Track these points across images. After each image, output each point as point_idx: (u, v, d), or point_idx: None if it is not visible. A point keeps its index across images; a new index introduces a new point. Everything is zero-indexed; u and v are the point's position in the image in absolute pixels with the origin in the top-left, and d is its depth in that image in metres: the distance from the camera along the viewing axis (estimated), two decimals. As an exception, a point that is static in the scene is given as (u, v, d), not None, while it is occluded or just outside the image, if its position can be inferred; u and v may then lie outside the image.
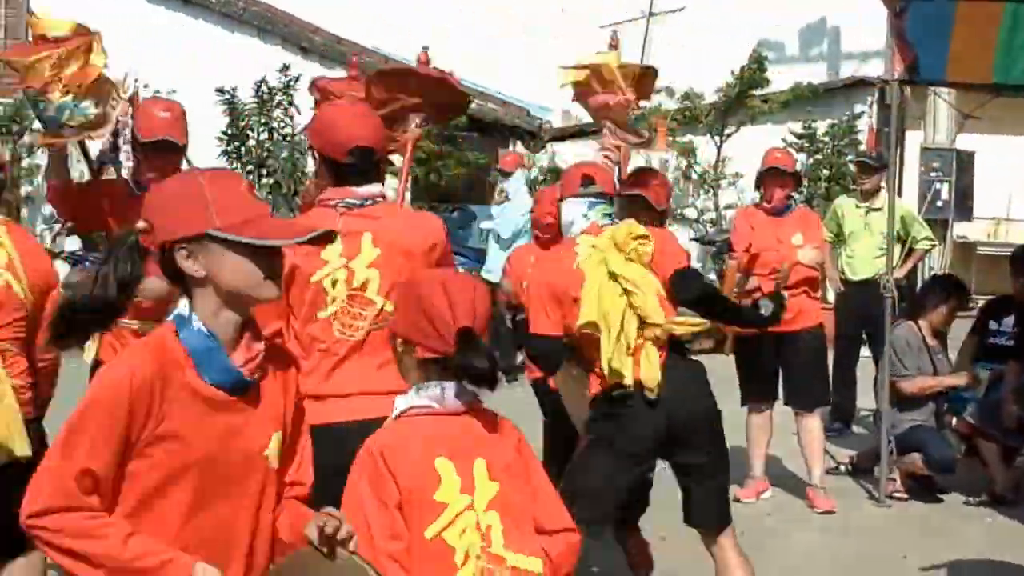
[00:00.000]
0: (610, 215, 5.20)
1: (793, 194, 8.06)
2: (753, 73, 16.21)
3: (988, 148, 13.21)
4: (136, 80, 6.34)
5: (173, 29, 15.54)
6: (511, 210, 12.87)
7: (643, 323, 4.81)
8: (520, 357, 5.42)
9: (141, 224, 2.68)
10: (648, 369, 4.80)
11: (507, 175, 13.60)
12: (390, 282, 4.06)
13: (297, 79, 15.74)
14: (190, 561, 2.59)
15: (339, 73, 17.79)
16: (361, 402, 3.96)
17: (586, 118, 17.93)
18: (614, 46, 6.21)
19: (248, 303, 2.71)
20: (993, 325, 8.38)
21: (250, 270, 2.65)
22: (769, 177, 7.88)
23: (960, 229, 16.09)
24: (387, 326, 3.40)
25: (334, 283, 4.11)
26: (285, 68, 15.89)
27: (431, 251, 4.22)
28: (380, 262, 4.13)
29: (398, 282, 3.76)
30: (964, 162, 13.73)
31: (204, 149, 12.57)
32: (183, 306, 2.70)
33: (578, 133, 18.39)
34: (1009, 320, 8.26)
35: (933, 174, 13.69)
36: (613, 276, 4.84)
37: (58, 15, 5.60)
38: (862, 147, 14.31)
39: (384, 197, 4.32)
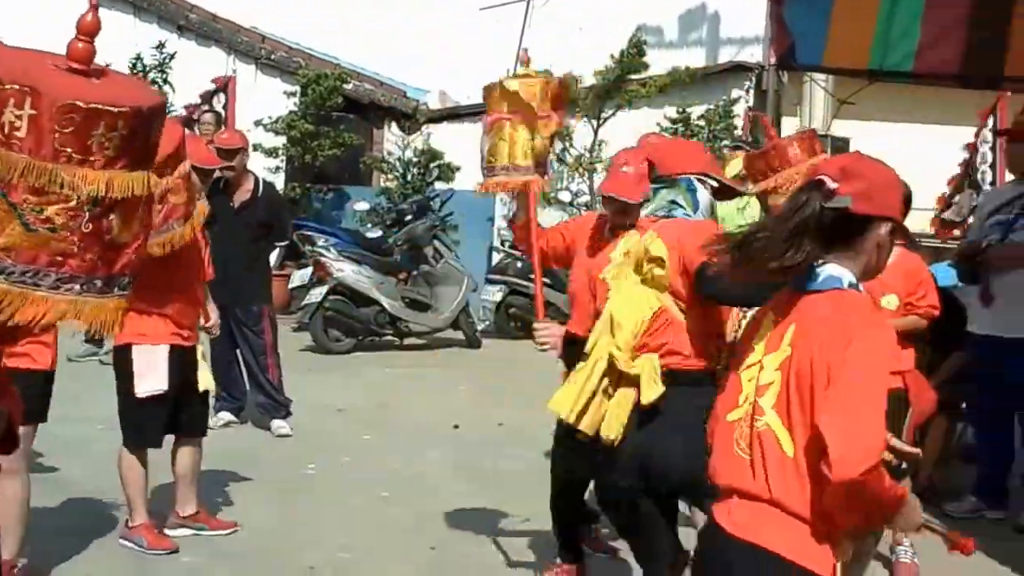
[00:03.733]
0: (676, 202, 4.85)
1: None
2: (632, 57, 16.15)
3: (863, 134, 13.30)
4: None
5: (46, 4, 14.98)
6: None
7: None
8: None
9: None
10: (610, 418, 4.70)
11: None
12: None
13: (172, 56, 15.70)
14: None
15: (215, 52, 17.64)
16: None
17: (463, 100, 17.91)
18: (526, 62, 5.76)
19: None
20: None
21: None
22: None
23: (836, 215, 16.19)
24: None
25: None
26: (161, 46, 15.88)
27: None
28: None
29: None
30: (839, 148, 13.82)
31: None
32: None
33: (454, 115, 18.17)
34: None
35: (809, 161, 13.72)
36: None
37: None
38: (738, 132, 14.36)
39: None
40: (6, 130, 2.15)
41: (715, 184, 4.87)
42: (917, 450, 3.12)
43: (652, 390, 4.54)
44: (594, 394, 4.70)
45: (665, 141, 5.19)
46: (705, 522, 3.20)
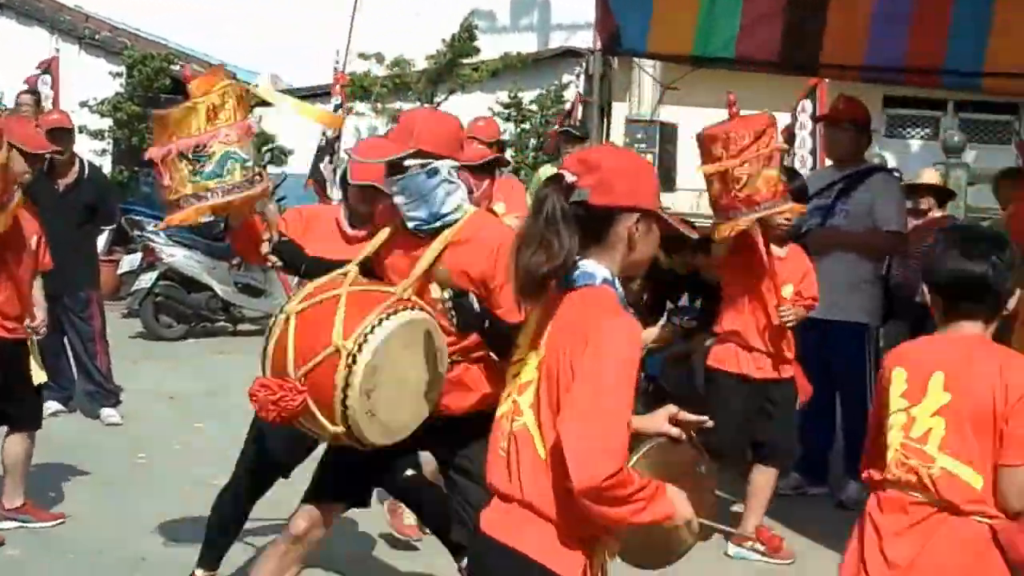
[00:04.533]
0: None
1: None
2: (463, 42, 16.25)
3: (690, 120, 13.52)
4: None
5: None
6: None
7: None
8: None
9: None
10: None
11: None
12: None
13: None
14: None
15: (37, 31, 17.14)
16: None
17: (296, 83, 17.74)
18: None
19: None
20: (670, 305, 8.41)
21: None
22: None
23: (665, 200, 16.46)
24: None
25: None
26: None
27: None
28: None
29: None
30: (667, 134, 14.09)
31: None
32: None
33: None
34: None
35: (637, 145, 13.98)
36: None
37: None
38: (566, 116, 14.52)
39: None
40: None
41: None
42: (703, 417, 3.13)
43: None
44: None
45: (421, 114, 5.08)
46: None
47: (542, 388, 2.93)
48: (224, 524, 5.50)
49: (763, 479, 6.62)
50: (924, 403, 3.47)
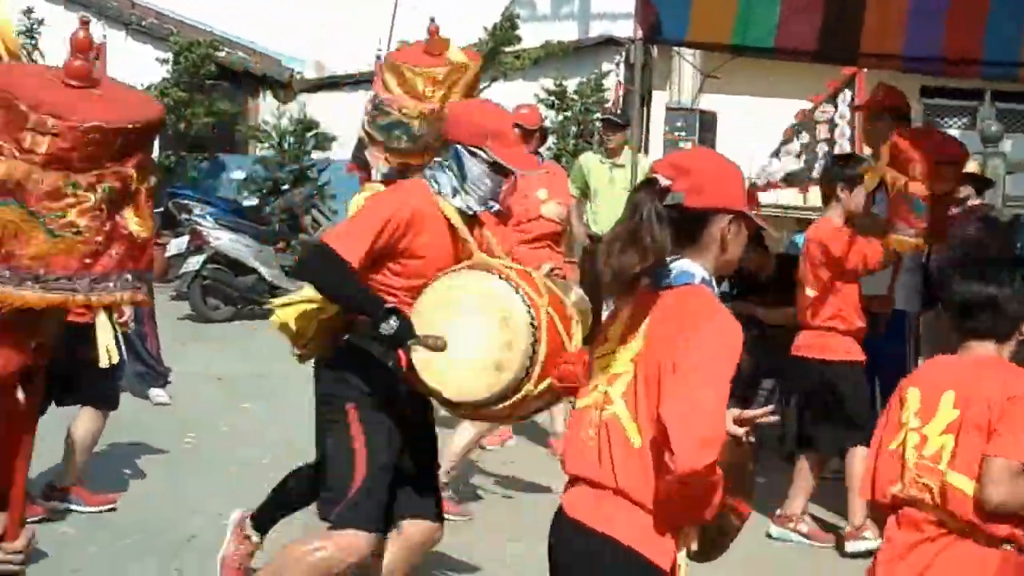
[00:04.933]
0: (441, 166, 4.72)
1: (540, 150, 8.16)
2: (505, 31, 16.34)
3: (730, 108, 13.59)
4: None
5: None
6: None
7: None
8: None
9: None
10: None
11: None
12: None
13: (41, 23, 15.48)
14: None
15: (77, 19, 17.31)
16: None
17: (339, 70, 17.89)
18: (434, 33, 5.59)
19: None
20: None
21: None
22: (513, 133, 7.95)
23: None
24: None
25: None
26: (29, 11, 15.61)
27: None
28: None
29: None
30: (707, 122, 14.13)
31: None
32: None
33: (330, 84, 18.18)
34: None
35: (677, 133, 14.04)
36: None
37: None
38: (608, 105, 14.60)
39: None
40: (26, 145, 2.28)
41: (488, 158, 4.63)
42: (767, 408, 3.22)
43: None
44: None
45: (457, 105, 5.04)
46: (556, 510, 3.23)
47: (639, 381, 3.02)
48: (290, 495, 5.44)
49: (810, 461, 6.74)
50: (934, 422, 3.56)
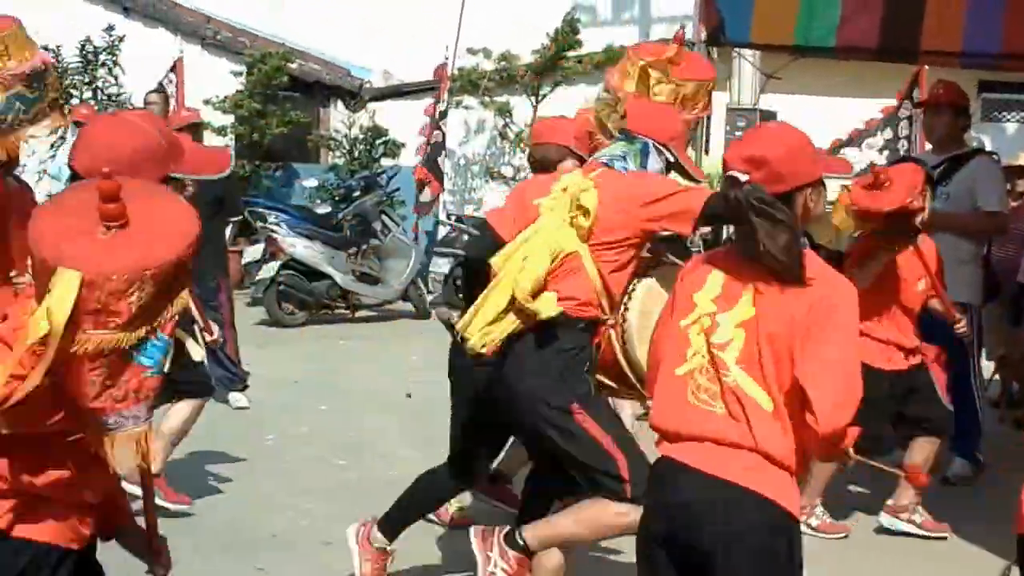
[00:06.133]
0: (625, 157, 4.73)
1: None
2: (567, 36, 16.51)
3: (790, 108, 13.62)
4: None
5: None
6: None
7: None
8: None
9: None
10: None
11: None
12: None
13: (121, 39, 15.88)
14: None
15: (162, 33, 17.72)
16: None
17: (406, 78, 18.14)
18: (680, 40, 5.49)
19: None
20: None
21: None
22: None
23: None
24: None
25: None
26: (110, 28, 16.02)
27: None
28: None
29: None
30: (767, 122, 14.13)
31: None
32: None
33: (398, 93, 18.44)
34: None
35: (738, 133, 14.09)
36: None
37: None
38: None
39: None
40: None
41: (671, 158, 4.80)
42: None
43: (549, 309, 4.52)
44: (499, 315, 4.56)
45: (645, 101, 5.05)
46: (658, 466, 3.34)
47: (761, 347, 3.16)
48: (413, 502, 5.52)
49: (923, 451, 6.66)
50: None
